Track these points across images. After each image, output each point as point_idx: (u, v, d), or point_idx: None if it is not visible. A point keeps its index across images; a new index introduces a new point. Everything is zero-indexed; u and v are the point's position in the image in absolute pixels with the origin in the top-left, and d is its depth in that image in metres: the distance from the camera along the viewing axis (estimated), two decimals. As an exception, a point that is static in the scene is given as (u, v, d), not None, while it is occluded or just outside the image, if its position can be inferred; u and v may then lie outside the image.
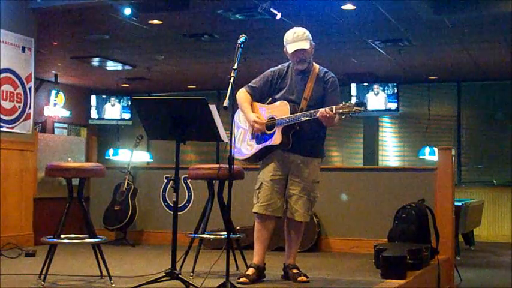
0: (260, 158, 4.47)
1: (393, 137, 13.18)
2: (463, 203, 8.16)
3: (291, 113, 4.31)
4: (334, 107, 4.16)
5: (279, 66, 4.56)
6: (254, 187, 4.46)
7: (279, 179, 4.41)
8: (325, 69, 4.52)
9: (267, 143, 4.38)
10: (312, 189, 4.44)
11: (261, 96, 4.52)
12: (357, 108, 4.10)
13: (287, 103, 4.37)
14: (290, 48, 4.38)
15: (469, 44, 9.38)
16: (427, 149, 11.76)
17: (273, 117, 4.39)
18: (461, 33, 8.78)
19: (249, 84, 4.55)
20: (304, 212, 4.41)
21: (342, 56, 10.35)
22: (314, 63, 4.50)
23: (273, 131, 4.36)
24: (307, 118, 4.25)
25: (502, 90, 12.18)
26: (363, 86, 12.00)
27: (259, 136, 4.42)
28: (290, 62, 4.52)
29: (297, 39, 4.38)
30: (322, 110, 4.18)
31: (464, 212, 8.09)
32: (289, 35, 4.43)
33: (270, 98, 4.52)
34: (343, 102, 4.16)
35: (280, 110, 4.36)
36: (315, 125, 4.32)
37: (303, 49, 4.37)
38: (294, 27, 4.49)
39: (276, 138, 4.34)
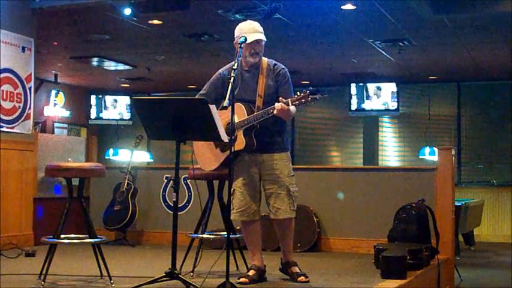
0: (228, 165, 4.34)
1: (393, 137, 13.17)
2: (463, 203, 8.16)
3: (248, 114, 4.26)
4: (289, 100, 4.13)
5: (227, 66, 4.49)
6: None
7: (251, 182, 4.37)
8: (274, 61, 4.47)
9: (232, 149, 4.30)
10: (290, 183, 4.37)
11: (215, 100, 4.35)
12: (312, 96, 4.08)
13: (241, 105, 4.29)
14: (249, 38, 4.29)
15: (469, 44, 9.38)
16: (427, 149, 11.74)
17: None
18: (461, 33, 8.77)
19: (200, 92, 4.49)
20: (286, 208, 4.34)
21: (342, 56, 10.34)
22: (263, 57, 4.44)
23: (234, 136, 4.27)
24: (265, 117, 4.20)
25: (501, 90, 12.18)
26: (363, 85, 12.00)
27: (222, 144, 4.31)
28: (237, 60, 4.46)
29: (254, 30, 4.35)
30: (278, 105, 4.13)
31: (464, 212, 8.09)
32: (245, 26, 4.38)
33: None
34: (298, 93, 4.13)
35: (237, 113, 4.24)
36: (275, 120, 4.27)
37: (261, 40, 4.35)
38: (248, 20, 4.46)
39: (240, 143, 4.28)
